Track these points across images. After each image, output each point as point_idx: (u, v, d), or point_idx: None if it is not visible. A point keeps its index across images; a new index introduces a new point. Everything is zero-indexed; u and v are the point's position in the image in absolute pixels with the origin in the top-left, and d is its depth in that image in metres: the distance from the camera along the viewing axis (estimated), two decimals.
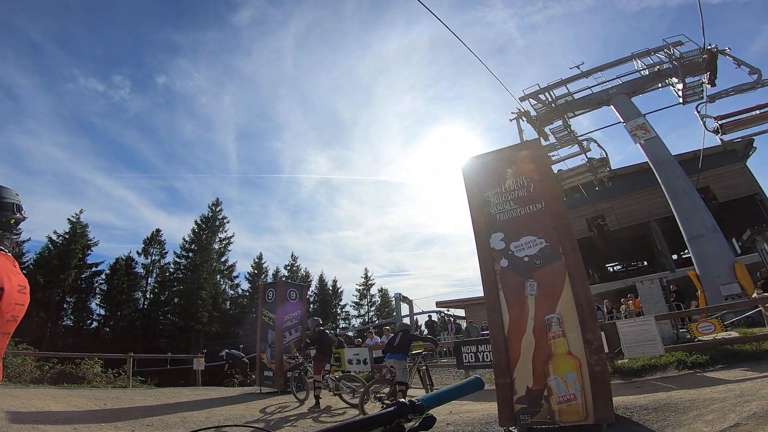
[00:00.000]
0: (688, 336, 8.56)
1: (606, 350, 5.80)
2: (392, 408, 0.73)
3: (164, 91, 69.14)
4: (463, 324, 20.94)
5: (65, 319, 29.67)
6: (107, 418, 6.45)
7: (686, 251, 21.72)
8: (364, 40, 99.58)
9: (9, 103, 51.25)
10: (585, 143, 13.35)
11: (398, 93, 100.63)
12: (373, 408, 7.49)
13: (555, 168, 14.28)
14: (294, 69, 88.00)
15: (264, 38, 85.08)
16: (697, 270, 13.19)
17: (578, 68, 17.22)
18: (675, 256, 24.76)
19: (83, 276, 30.59)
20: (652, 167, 15.04)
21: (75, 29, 60.22)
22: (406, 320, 23.85)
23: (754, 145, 21.11)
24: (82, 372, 10.84)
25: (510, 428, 4.84)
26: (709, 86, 15.16)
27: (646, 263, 30.22)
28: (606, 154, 13.11)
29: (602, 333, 5.51)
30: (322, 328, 8.72)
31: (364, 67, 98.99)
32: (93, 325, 31.01)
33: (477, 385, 0.90)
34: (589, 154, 13.34)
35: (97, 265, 31.67)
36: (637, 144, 15.43)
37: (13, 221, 1.54)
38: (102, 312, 31.29)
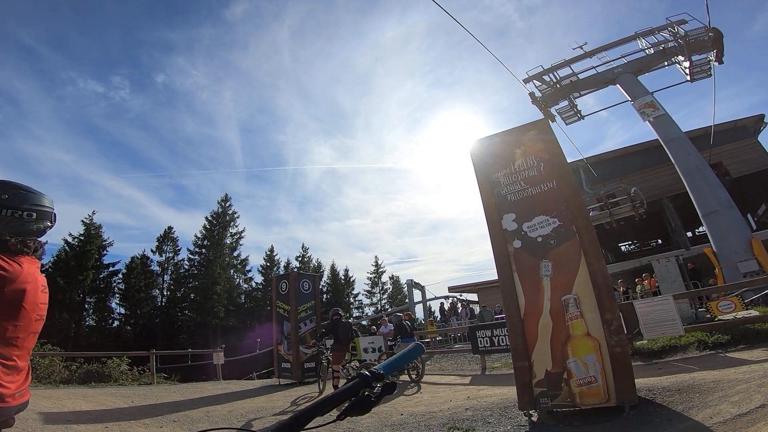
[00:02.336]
0: (708, 315, 8.44)
1: (624, 331, 5.76)
2: (357, 380, 0.81)
3: (164, 90, 69.45)
4: (477, 308, 21.01)
5: (87, 319, 30.43)
6: (136, 416, 6.63)
7: (701, 228, 21.39)
8: (360, 29, 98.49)
9: (11, 108, 51.79)
10: (629, 189, 15.24)
11: (398, 80, 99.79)
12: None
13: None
14: (291, 61, 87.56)
15: (259, 32, 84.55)
16: (713, 247, 12.99)
17: (581, 48, 16.89)
18: (690, 234, 24.34)
19: (101, 276, 31.26)
20: (663, 144, 14.77)
21: (67, 32, 60.52)
22: (419, 306, 26.31)
23: (765, 120, 20.59)
24: (109, 370, 11.12)
25: (530, 412, 4.85)
26: (716, 64, 14.81)
27: (660, 241, 29.80)
28: (643, 198, 15.08)
29: (620, 314, 5.47)
30: (337, 317, 8.69)
31: (361, 56, 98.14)
32: (114, 324, 31.80)
33: (419, 350, 1.03)
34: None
35: (113, 264, 32.39)
36: (646, 122, 15.17)
37: (45, 228, 1.60)
38: (122, 311, 32.04)
